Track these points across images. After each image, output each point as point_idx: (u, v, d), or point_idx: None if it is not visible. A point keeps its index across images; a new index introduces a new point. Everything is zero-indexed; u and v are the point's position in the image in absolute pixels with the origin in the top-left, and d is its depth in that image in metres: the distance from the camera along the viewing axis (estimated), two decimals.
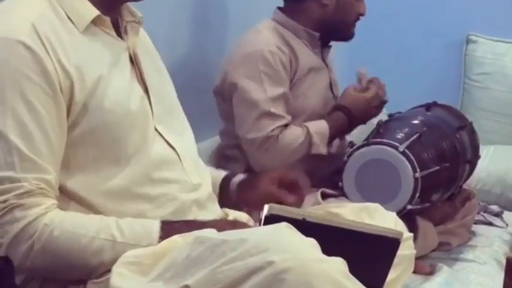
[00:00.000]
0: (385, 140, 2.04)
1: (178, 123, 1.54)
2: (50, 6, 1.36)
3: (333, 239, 1.26)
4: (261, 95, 2.10)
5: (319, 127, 2.17)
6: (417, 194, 1.99)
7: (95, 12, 1.38)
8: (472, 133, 2.34)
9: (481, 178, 2.85)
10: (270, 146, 2.10)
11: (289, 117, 2.14)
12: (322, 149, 2.14)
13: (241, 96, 2.12)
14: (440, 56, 3.48)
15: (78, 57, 1.34)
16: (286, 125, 2.13)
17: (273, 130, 2.10)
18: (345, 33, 2.32)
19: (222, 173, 1.68)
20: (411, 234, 1.63)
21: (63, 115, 1.32)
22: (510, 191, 2.81)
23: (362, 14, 2.32)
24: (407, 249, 1.57)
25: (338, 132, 2.22)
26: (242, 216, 1.57)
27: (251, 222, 1.55)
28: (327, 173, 2.19)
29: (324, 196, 2.09)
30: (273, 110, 2.10)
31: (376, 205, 1.64)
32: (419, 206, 2.02)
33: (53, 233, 1.28)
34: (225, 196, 1.63)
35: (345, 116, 2.20)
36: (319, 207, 1.60)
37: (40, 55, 1.29)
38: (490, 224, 2.56)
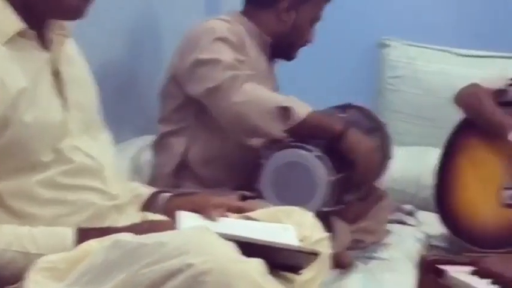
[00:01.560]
0: (300, 144, 2.07)
1: (98, 135, 1.54)
2: None
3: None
4: (223, 56, 2.12)
5: (301, 102, 2.15)
6: (331, 197, 2.03)
7: (18, 25, 1.37)
8: (385, 135, 2.38)
9: (395, 178, 2.92)
10: (241, 86, 2.07)
11: (253, 75, 2.14)
12: (294, 106, 2.07)
13: (203, 64, 2.12)
14: (354, 60, 3.55)
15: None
16: (252, 79, 2.12)
17: (238, 74, 2.09)
18: (289, 53, 2.37)
19: (150, 189, 1.68)
20: (328, 234, 1.67)
21: None
22: (423, 191, 2.89)
23: (310, 42, 2.36)
24: (324, 249, 1.61)
25: (321, 129, 2.11)
26: (161, 218, 1.58)
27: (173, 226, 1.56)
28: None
29: (244, 198, 2.11)
30: (236, 63, 2.11)
31: (294, 207, 1.67)
32: (333, 208, 2.06)
33: None
34: (150, 211, 1.63)
35: (342, 125, 2.11)
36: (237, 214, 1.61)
37: None
38: (404, 223, 2.63)
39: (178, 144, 2.22)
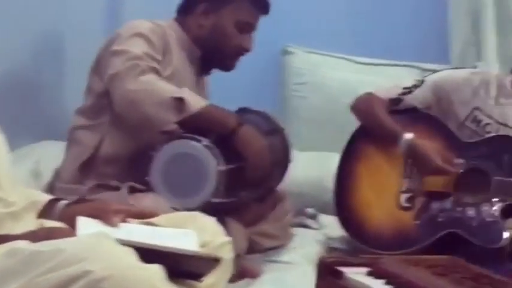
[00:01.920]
0: (190, 134, 2.06)
1: None
2: None
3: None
4: (134, 48, 2.11)
5: (198, 96, 2.14)
6: (221, 187, 2.02)
7: None
8: (284, 138, 2.40)
9: (298, 182, 2.96)
10: (138, 76, 2.05)
11: (160, 69, 2.12)
12: (188, 98, 2.05)
13: (114, 54, 2.12)
14: (259, 67, 3.56)
15: None
16: (157, 73, 2.10)
17: (139, 64, 2.07)
18: (221, 62, 2.33)
19: (47, 197, 1.65)
20: (230, 239, 1.68)
21: None
22: (325, 194, 2.93)
23: (246, 49, 2.32)
24: (226, 254, 1.63)
25: (216, 124, 2.10)
26: (59, 225, 1.56)
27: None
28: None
29: (133, 191, 2.10)
30: (144, 56, 2.10)
31: (196, 213, 1.68)
32: (224, 200, 2.05)
33: None
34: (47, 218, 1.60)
35: (236, 120, 2.12)
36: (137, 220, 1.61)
37: None
38: (306, 226, 2.68)
39: (90, 140, 2.19)
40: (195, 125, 2.07)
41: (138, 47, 2.12)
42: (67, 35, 2.66)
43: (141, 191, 2.09)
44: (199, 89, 2.35)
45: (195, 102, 2.07)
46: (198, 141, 2.04)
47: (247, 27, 2.32)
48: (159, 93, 2.05)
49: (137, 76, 2.05)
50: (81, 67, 2.33)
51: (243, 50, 2.32)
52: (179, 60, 2.25)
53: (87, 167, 2.18)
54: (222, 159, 2.03)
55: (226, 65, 2.35)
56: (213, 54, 2.31)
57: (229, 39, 2.29)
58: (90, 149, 2.18)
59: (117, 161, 2.19)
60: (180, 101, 2.04)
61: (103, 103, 2.18)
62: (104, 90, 2.17)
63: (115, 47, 2.14)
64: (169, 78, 2.16)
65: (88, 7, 2.77)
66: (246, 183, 2.18)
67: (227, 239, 1.66)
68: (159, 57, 2.16)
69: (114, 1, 2.99)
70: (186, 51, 2.28)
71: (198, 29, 2.28)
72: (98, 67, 2.21)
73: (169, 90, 2.07)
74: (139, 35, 2.15)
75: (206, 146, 2.03)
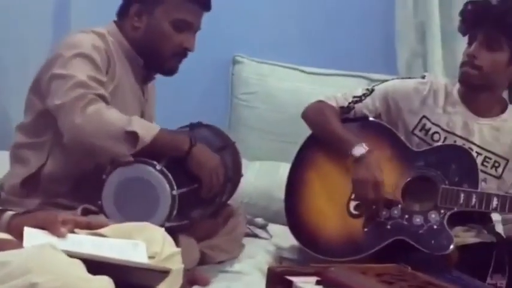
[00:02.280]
0: (142, 158, 2.04)
1: None
2: None
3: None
4: (78, 73, 2.03)
5: (148, 122, 2.10)
6: (175, 211, 2.02)
7: None
8: (235, 152, 2.40)
9: (247, 192, 2.98)
10: (85, 108, 1.99)
11: (108, 95, 2.06)
12: (140, 131, 2.00)
13: (57, 78, 2.05)
14: (208, 76, 3.58)
15: None
16: (104, 100, 2.03)
17: (86, 94, 2.01)
18: (161, 65, 2.23)
19: None
20: (179, 250, 1.68)
21: None
22: (274, 204, 2.95)
23: (187, 49, 2.22)
24: (175, 264, 1.62)
25: (169, 148, 2.08)
26: (7, 237, 1.53)
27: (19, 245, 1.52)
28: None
29: (87, 213, 2.07)
30: (89, 82, 2.03)
31: (145, 223, 1.67)
32: (177, 223, 2.05)
33: None
34: None
35: (189, 142, 2.10)
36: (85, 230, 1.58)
37: None
38: (256, 236, 2.68)
39: (33, 159, 2.14)
40: (150, 152, 2.04)
41: (81, 71, 2.05)
42: (11, 43, 2.62)
43: (95, 212, 2.06)
44: (138, 94, 2.29)
45: (147, 131, 2.03)
46: (151, 165, 2.02)
47: (185, 26, 2.21)
48: (109, 126, 2.00)
49: (84, 108, 1.99)
50: (25, 76, 2.29)
51: (183, 50, 2.23)
52: (122, 70, 2.20)
53: (30, 184, 2.13)
54: (175, 183, 2.02)
55: (167, 67, 2.25)
56: (152, 57, 2.23)
57: (167, 40, 2.20)
58: (33, 168, 2.13)
59: (65, 180, 2.14)
60: (132, 134, 2.01)
61: (44, 122, 2.13)
62: (44, 110, 2.11)
63: (57, 70, 2.06)
64: (112, 94, 2.12)
65: (33, 16, 2.74)
66: (199, 202, 2.17)
67: (176, 249, 1.65)
68: (104, 78, 2.10)
69: (61, 9, 2.97)
70: (129, 59, 2.22)
71: (133, 31, 2.21)
72: (38, 88, 2.14)
73: (120, 122, 2.02)
74: (82, 55, 2.08)
75: (159, 171, 2.02)
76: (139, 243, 1.55)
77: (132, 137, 2.00)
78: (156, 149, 2.04)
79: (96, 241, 1.53)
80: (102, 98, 2.04)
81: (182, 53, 2.23)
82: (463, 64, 2.48)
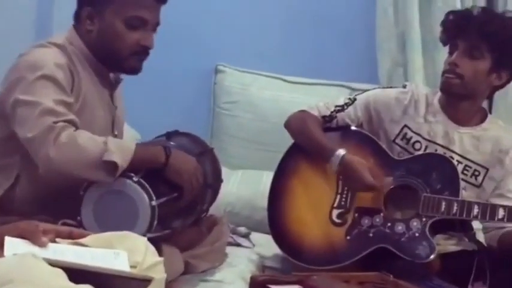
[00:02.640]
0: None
1: None
2: None
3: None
4: (43, 98, 1.98)
5: (123, 142, 2.07)
6: (155, 222, 1.99)
7: None
8: (213, 159, 2.39)
9: (230, 201, 2.99)
10: (57, 139, 1.93)
11: (76, 119, 2.01)
12: (118, 158, 1.96)
13: (22, 105, 1.98)
14: (191, 85, 3.59)
15: None
16: (74, 125, 1.99)
17: (56, 122, 1.95)
18: (120, 65, 2.17)
19: None
20: (162, 259, 1.67)
21: None
22: (257, 213, 2.95)
23: (147, 46, 2.15)
24: (158, 274, 1.61)
25: (147, 163, 2.05)
26: None
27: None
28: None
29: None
30: (56, 108, 1.97)
31: (126, 232, 1.66)
32: (159, 234, 2.03)
33: None
34: None
35: (164, 154, 2.07)
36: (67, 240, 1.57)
37: None
38: (239, 245, 2.67)
39: (2, 179, 2.09)
40: (128, 168, 2.01)
41: (46, 96, 1.99)
42: None
43: (75, 227, 2.03)
44: (105, 100, 2.24)
45: (124, 155, 1.99)
46: (128, 177, 2.00)
47: (139, 23, 2.14)
48: (85, 155, 1.96)
49: (57, 139, 1.94)
50: None
51: (142, 48, 2.15)
52: (88, 80, 2.15)
53: (4, 204, 2.08)
54: (153, 194, 1.99)
55: (128, 67, 2.17)
56: (110, 59, 2.16)
57: (121, 39, 2.13)
58: (5, 190, 2.09)
59: (38, 200, 2.09)
60: (110, 162, 1.97)
61: (10, 145, 2.07)
62: (10, 133, 2.05)
63: (21, 96, 2.00)
64: (81, 109, 2.08)
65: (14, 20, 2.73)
66: (180, 211, 2.16)
67: (158, 259, 1.64)
68: (70, 99, 2.05)
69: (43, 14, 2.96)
70: (92, 67, 2.17)
71: (87, 35, 2.15)
72: (2, 110, 2.06)
73: (96, 149, 1.96)
74: (45, 77, 2.01)
75: (137, 182, 1.99)
76: (120, 252, 1.54)
77: (110, 165, 1.97)
78: (133, 166, 2.01)
79: (78, 250, 1.52)
80: (72, 123, 2.00)
81: (141, 51, 2.16)
82: (444, 72, 2.51)
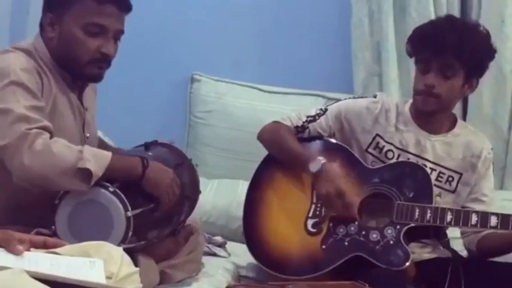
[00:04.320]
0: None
1: None
2: None
3: None
4: (15, 105, 1.96)
5: (99, 150, 2.04)
6: (130, 233, 1.98)
7: None
8: (191, 170, 2.39)
9: (206, 211, 2.98)
10: (31, 146, 1.91)
11: (50, 125, 1.99)
12: (92, 166, 1.94)
13: None
14: (166, 94, 3.59)
15: None
16: (48, 131, 1.97)
17: (30, 129, 1.93)
18: (80, 71, 2.14)
19: None
20: (137, 269, 1.66)
21: None
22: (233, 222, 2.96)
23: (107, 54, 2.11)
24: (133, 284, 1.60)
25: (123, 173, 2.04)
26: None
27: None
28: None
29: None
30: (28, 114, 1.96)
31: (102, 242, 1.65)
32: (134, 245, 2.01)
33: None
34: None
35: (142, 166, 2.06)
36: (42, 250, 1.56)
37: None
38: (215, 254, 2.67)
39: None
40: (104, 178, 2.00)
41: (17, 102, 1.97)
42: None
43: (49, 236, 2.01)
44: (86, 105, 2.23)
45: (99, 164, 1.97)
46: (104, 187, 1.99)
47: (99, 30, 2.11)
48: (60, 163, 1.94)
49: (31, 146, 1.93)
50: None
51: (102, 56, 2.12)
52: (56, 85, 2.13)
53: None
54: (129, 205, 1.98)
55: (88, 74, 2.14)
56: (70, 66, 2.13)
57: (79, 46, 2.10)
58: None
59: (11, 208, 2.06)
60: (84, 170, 1.95)
61: None
62: None
63: None
64: (51, 113, 2.07)
65: None
66: (156, 223, 2.15)
67: (134, 269, 1.63)
68: (42, 103, 2.04)
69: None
70: (59, 72, 2.15)
71: (50, 42, 2.14)
72: None
73: (71, 157, 1.95)
74: (14, 83, 1.99)
75: (112, 192, 1.98)
76: (96, 261, 1.53)
77: (85, 173, 1.95)
78: (109, 176, 2.00)
79: (53, 259, 1.51)
80: (46, 129, 1.98)
81: (101, 59, 2.13)
82: (420, 92, 2.51)
